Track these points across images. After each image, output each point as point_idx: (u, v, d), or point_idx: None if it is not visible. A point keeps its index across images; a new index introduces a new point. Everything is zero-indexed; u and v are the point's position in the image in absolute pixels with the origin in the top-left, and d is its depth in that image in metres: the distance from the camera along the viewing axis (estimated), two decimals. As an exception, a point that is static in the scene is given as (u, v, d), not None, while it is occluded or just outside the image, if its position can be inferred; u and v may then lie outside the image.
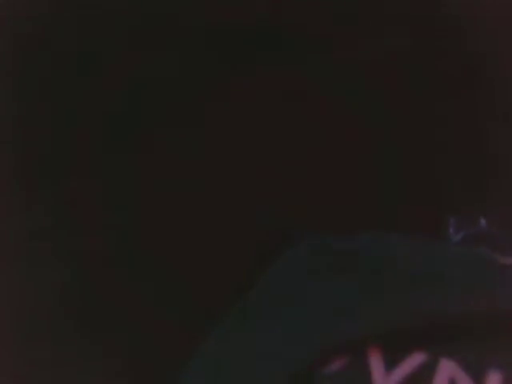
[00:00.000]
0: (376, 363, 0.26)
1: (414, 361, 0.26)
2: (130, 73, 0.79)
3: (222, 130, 0.78)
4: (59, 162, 0.74)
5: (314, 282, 0.31)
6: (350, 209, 0.60)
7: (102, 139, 0.74)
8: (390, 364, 0.26)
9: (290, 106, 0.81)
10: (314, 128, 0.79)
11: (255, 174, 0.77)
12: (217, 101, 0.79)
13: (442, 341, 0.27)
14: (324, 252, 0.34)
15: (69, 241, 0.68)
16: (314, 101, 0.81)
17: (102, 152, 0.73)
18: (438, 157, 0.74)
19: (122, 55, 0.79)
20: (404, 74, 0.81)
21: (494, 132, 0.75)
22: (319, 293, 0.30)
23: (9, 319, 0.63)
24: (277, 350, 0.28)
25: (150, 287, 0.70)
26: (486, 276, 0.30)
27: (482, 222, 0.39)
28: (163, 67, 0.81)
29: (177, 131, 0.78)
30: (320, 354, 0.26)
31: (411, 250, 0.33)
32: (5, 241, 0.68)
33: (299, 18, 0.83)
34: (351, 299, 0.29)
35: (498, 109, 0.77)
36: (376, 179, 0.74)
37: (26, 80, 0.75)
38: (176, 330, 0.66)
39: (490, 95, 0.78)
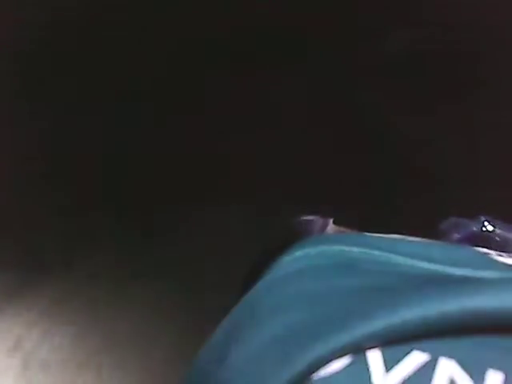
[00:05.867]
0: (375, 363, 0.26)
1: (413, 361, 0.26)
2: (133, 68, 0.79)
3: (222, 130, 0.78)
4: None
5: (314, 282, 0.31)
6: (349, 209, 0.60)
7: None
8: (390, 364, 0.26)
9: (291, 107, 0.81)
10: (314, 127, 0.79)
11: (254, 174, 0.77)
12: (216, 101, 0.79)
13: (442, 340, 0.27)
14: (324, 252, 0.34)
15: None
16: (315, 101, 0.81)
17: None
18: (438, 156, 0.74)
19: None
20: (404, 74, 0.81)
21: (492, 132, 0.75)
22: (319, 293, 0.30)
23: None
24: (276, 350, 0.28)
25: (151, 280, 0.70)
26: (486, 275, 0.30)
27: (482, 221, 0.38)
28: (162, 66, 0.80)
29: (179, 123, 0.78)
30: (319, 354, 0.26)
31: (411, 249, 0.33)
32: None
33: (300, 19, 0.83)
34: (351, 299, 0.29)
35: (497, 108, 0.77)
36: (375, 178, 0.74)
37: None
38: (177, 328, 0.66)
39: (490, 96, 0.78)
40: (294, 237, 0.36)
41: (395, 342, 0.26)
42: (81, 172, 0.73)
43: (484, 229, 0.38)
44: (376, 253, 0.33)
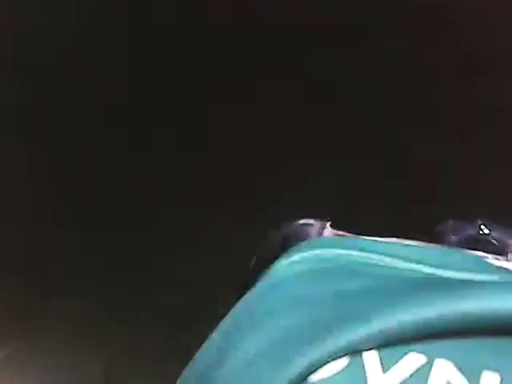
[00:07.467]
0: (372, 365, 0.26)
1: (409, 362, 0.26)
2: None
3: (222, 131, 0.79)
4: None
5: (311, 285, 0.31)
6: (349, 210, 0.60)
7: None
8: (386, 365, 0.26)
9: (291, 106, 0.81)
10: (314, 128, 0.80)
11: (254, 173, 0.77)
12: (215, 101, 0.79)
13: (439, 342, 0.27)
14: (321, 255, 0.34)
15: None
16: (314, 101, 0.81)
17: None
18: (437, 158, 0.74)
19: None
20: (403, 74, 0.81)
21: (492, 133, 0.75)
22: (316, 296, 0.31)
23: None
24: (274, 353, 0.28)
25: (148, 286, 0.70)
26: (482, 278, 0.31)
27: (479, 224, 0.39)
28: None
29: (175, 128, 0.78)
30: (316, 356, 0.26)
31: (408, 253, 0.33)
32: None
33: (300, 19, 0.83)
34: (348, 302, 0.29)
35: (495, 109, 0.77)
36: (375, 180, 0.74)
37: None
38: (177, 331, 0.66)
39: (489, 97, 0.78)
40: (291, 240, 0.36)
41: (392, 344, 0.26)
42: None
43: (481, 232, 0.38)
44: (373, 256, 0.33)
